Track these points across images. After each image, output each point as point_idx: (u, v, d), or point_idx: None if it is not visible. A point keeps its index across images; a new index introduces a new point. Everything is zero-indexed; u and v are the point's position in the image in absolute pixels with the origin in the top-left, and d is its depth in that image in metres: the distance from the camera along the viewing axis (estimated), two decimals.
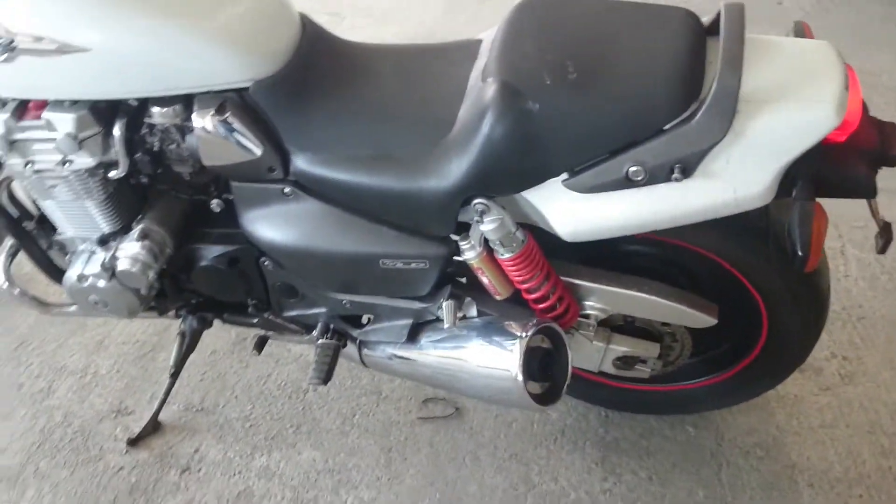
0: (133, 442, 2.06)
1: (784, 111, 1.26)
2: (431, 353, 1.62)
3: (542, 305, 1.56)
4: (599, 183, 1.33)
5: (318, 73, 1.54)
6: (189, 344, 1.95)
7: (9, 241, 1.81)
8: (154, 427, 2.09)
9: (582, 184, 1.34)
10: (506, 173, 1.37)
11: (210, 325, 1.90)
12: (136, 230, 1.65)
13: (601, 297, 1.62)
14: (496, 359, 1.51)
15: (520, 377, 1.49)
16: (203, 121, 1.47)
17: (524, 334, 1.50)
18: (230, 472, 1.98)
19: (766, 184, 1.29)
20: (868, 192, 1.35)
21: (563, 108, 1.31)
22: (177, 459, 2.01)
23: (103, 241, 1.69)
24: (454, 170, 1.38)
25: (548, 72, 1.32)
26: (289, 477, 1.95)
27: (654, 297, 1.59)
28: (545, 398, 1.56)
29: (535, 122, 1.30)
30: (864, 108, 1.35)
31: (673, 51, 1.32)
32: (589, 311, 1.64)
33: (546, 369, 1.56)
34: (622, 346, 1.68)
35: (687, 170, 1.28)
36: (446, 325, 1.55)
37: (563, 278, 1.59)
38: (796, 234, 1.29)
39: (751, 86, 1.28)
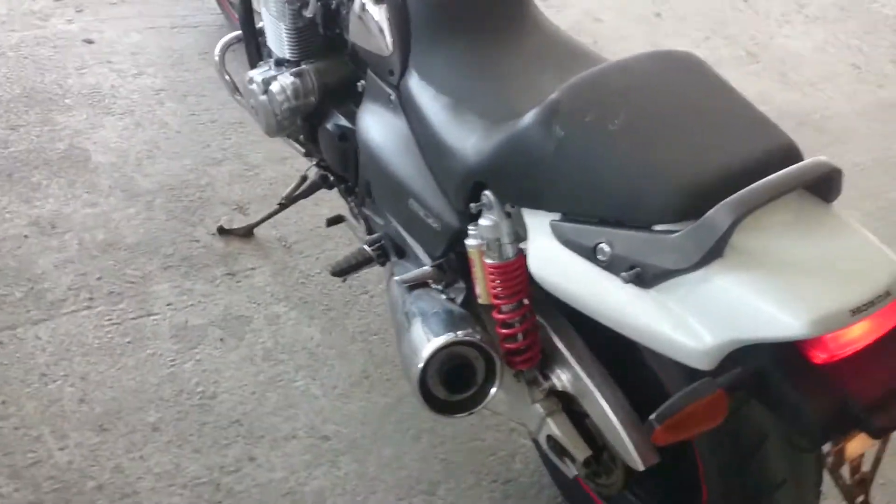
0: (222, 231, 2.33)
1: (761, 286, 1.14)
2: (395, 310, 1.69)
3: (504, 331, 1.55)
4: (574, 241, 1.30)
5: (471, 21, 1.63)
6: (304, 190, 2.17)
7: (237, 33, 2.12)
8: (246, 233, 2.35)
9: (563, 233, 1.32)
10: (509, 178, 1.38)
11: (329, 186, 2.09)
12: (298, 68, 1.88)
13: (566, 368, 1.57)
14: (419, 339, 1.54)
15: (420, 365, 1.50)
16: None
17: (457, 334, 1.51)
18: (259, 294, 2.19)
19: (704, 346, 1.18)
20: (808, 435, 1.18)
21: (581, 147, 1.29)
22: (233, 264, 2.26)
23: (278, 63, 1.94)
24: (478, 147, 1.42)
25: (597, 111, 1.30)
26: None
27: (604, 405, 1.51)
28: (439, 406, 1.55)
29: (551, 147, 1.30)
30: (883, 353, 1.18)
31: (726, 160, 1.24)
32: (551, 375, 1.60)
33: (465, 386, 1.55)
34: (556, 428, 1.61)
35: (642, 278, 1.21)
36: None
37: (543, 323, 1.56)
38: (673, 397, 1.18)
39: (769, 246, 1.17)
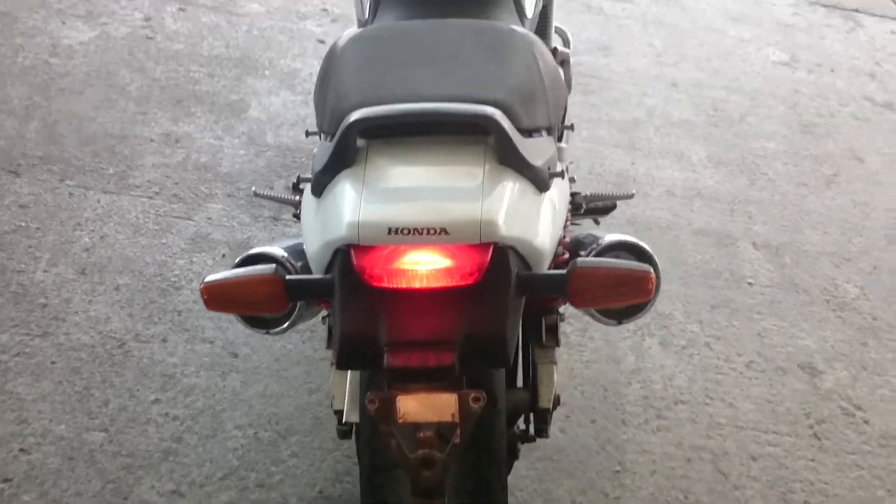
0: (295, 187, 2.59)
1: (348, 197, 1.15)
2: None
3: None
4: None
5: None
6: None
7: None
8: None
9: None
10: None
11: None
12: None
13: None
14: None
15: None
16: None
17: None
18: None
19: (312, 249, 1.21)
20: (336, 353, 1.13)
21: (331, 73, 1.41)
22: (281, 213, 2.51)
23: None
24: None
25: (357, 48, 1.43)
26: None
27: None
28: None
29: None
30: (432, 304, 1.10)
31: (400, 91, 1.26)
32: None
33: None
34: None
35: (314, 188, 1.26)
36: None
37: None
38: None
39: (392, 170, 1.18)
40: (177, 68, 3.02)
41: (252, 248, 1.43)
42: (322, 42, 3.36)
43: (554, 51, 2.23)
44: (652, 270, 1.15)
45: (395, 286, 1.10)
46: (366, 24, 1.87)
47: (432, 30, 1.45)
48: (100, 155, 2.59)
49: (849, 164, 3.16)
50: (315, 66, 3.24)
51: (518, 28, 1.44)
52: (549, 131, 1.44)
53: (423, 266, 1.09)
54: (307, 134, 1.56)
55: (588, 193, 1.75)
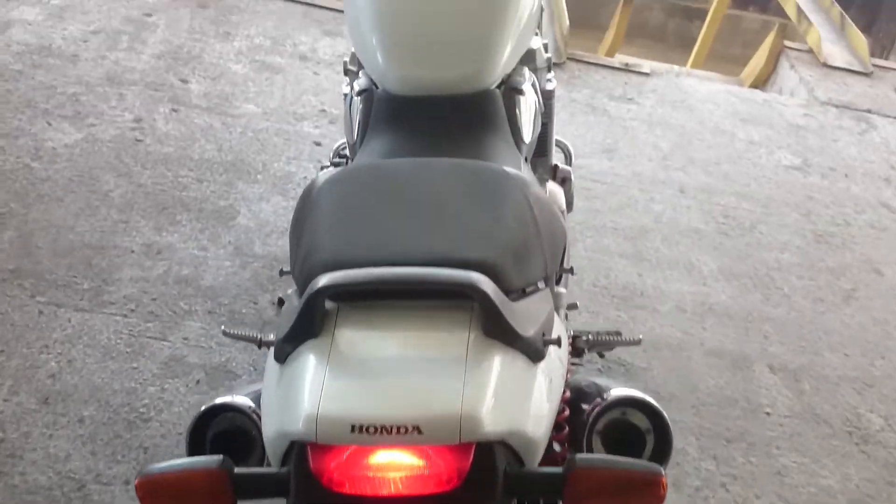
0: (280, 302, 2.44)
1: (310, 379, 1.00)
2: None
3: None
4: None
5: (415, 135, 1.61)
6: None
7: None
8: None
9: None
10: None
11: None
12: None
13: None
14: None
15: None
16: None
17: None
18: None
19: (268, 436, 1.05)
20: None
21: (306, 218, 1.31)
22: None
23: None
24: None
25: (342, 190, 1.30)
26: None
27: None
28: None
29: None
30: None
31: (377, 249, 1.12)
32: None
33: None
34: None
35: (276, 353, 1.12)
36: None
37: None
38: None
39: (360, 345, 1.03)
40: (165, 173, 2.90)
41: (216, 394, 1.31)
42: (319, 144, 3.25)
43: (554, 168, 2.10)
44: (663, 473, 0.98)
45: (359, 493, 0.93)
46: (354, 146, 1.75)
47: (416, 171, 1.31)
48: (75, 268, 2.45)
49: (867, 277, 3.00)
50: (310, 170, 3.12)
51: (510, 171, 1.30)
52: (547, 280, 1.30)
53: (393, 472, 0.93)
54: (281, 273, 1.42)
55: (591, 337, 1.59)
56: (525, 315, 1.10)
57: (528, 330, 1.08)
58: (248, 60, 3.64)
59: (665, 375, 2.46)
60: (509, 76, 1.71)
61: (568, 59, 4.07)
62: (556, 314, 1.31)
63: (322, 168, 1.98)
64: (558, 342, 1.14)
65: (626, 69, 4.13)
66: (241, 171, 3.00)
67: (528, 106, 1.75)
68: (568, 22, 4.13)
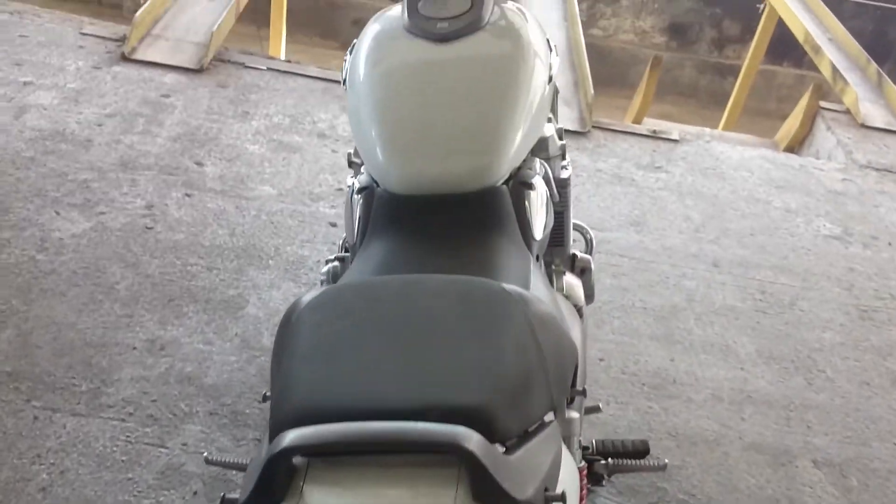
0: None
1: None
2: None
3: None
4: None
5: (413, 244, 1.50)
6: None
7: None
8: None
9: None
10: None
11: None
12: None
13: None
14: None
15: None
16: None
17: None
18: None
19: None
20: None
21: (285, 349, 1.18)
22: None
23: None
24: None
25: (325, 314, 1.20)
26: None
27: None
28: None
29: None
30: None
31: (350, 396, 0.98)
32: None
33: None
34: None
35: None
36: None
37: None
38: None
39: None
40: (174, 262, 2.81)
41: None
42: (334, 225, 3.15)
43: (572, 258, 1.96)
44: None
45: None
46: (354, 247, 1.64)
47: (406, 292, 1.19)
48: (74, 368, 2.35)
49: None
50: (324, 252, 3.02)
51: (510, 289, 1.17)
52: (555, 411, 1.16)
53: None
54: (264, 398, 1.30)
55: (610, 462, 1.44)
56: (523, 469, 0.96)
57: (527, 488, 0.94)
58: (266, 140, 3.58)
59: (701, 475, 2.28)
60: (518, 169, 1.59)
61: (593, 127, 3.96)
62: (566, 449, 1.17)
63: (326, 262, 1.86)
64: (563, 498, 0.99)
65: (654, 136, 4.00)
66: (252, 257, 2.91)
67: (539, 201, 1.62)
68: (593, 91, 4.02)
